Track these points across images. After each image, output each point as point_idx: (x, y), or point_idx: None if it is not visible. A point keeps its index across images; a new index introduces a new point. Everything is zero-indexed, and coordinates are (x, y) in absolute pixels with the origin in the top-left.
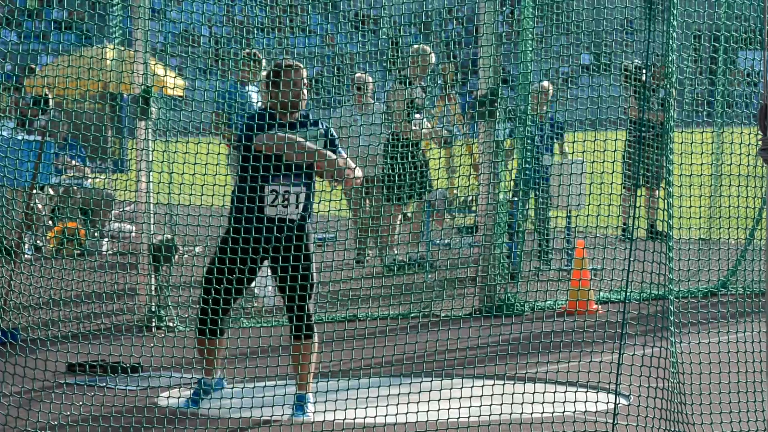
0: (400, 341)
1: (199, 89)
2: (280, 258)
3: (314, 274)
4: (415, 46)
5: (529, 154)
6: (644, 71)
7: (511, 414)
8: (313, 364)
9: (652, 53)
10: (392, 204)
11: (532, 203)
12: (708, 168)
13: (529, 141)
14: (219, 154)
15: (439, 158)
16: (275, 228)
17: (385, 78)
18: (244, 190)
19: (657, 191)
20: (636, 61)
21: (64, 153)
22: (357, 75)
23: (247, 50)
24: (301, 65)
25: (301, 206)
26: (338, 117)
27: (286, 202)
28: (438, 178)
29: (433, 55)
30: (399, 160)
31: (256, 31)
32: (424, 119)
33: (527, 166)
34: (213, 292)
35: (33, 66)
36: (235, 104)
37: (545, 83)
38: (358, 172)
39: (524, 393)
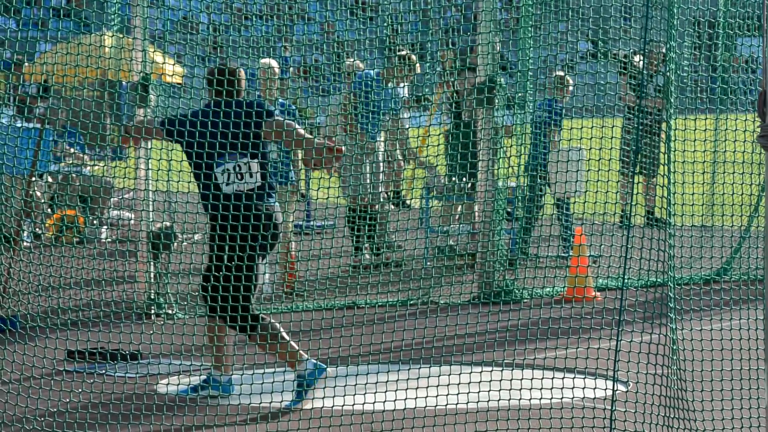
0: (399, 328)
1: (197, 77)
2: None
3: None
4: (403, 53)
5: (531, 140)
6: (641, 58)
7: (509, 400)
8: (225, 347)
9: (650, 40)
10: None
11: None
12: (707, 155)
13: (531, 127)
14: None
15: (438, 146)
16: (242, 206)
17: (384, 64)
18: (201, 177)
19: (655, 178)
20: (631, 49)
21: (62, 140)
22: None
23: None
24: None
25: (256, 175)
26: (337, 104)
27: (240, 176)
28: (437, 165)
29: (417, 64)
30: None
31: (254, 19)
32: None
33: (528, 152)
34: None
35: (21, 57)
36: (373, 99)
37: (560, 72)
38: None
39: (522, 379)
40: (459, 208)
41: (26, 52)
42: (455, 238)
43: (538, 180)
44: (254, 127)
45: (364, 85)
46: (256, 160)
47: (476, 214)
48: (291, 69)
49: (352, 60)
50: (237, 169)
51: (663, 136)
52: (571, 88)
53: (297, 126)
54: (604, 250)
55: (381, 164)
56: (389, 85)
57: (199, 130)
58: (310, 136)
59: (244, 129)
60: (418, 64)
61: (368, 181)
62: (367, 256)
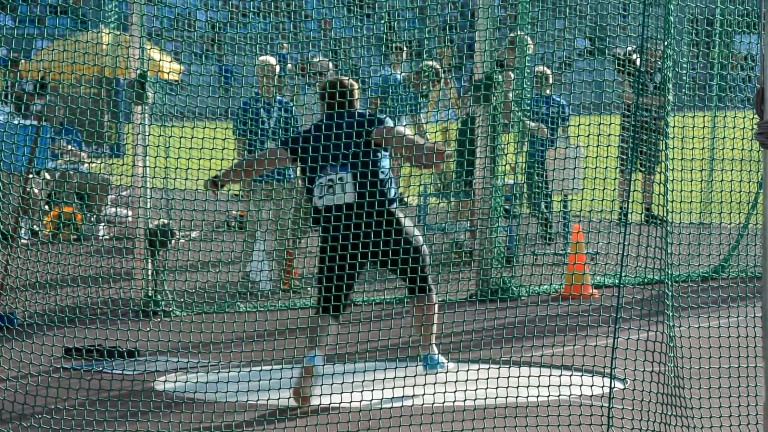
0: (396, 325)
1: (195, 74)
2: (379, 244)
3: (412, 238)
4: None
5: (527, 138)
6: (639, 55)
7: (506, 398)
8: (435, 325)
9: (648, 37)
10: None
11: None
12: (705, 152)
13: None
14: (215, 138)
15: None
16: (332, 217)
17: (381, 62)
18: (308, 192)
19: (652, 176)
20: (628, 46)
21: (60, 138)
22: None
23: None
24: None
25: (349, 194)
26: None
27: (331, 190)
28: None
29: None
30: None
31: (251, 16)
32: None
33: (527, 150)
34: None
35: (16, 55)
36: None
37: (540, 68)
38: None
39: (520, 377)
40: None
41: (23, 49)
42: (457, 235)
43: (536, 177)
44: (364, 136)
45: (386, 86)
46: (350, 174)
47: (472, 211)
48: (288, 66)
49: (318, 59)
50: (330, 182)
51: (661, 133)
52: (550, 81)
53: (406, 131)
54: (602, 248)
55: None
56: (412, 90)
57: (312, 144)
58: (420, 140)
59: (352, 140)
60: (444, 78)
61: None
62: None
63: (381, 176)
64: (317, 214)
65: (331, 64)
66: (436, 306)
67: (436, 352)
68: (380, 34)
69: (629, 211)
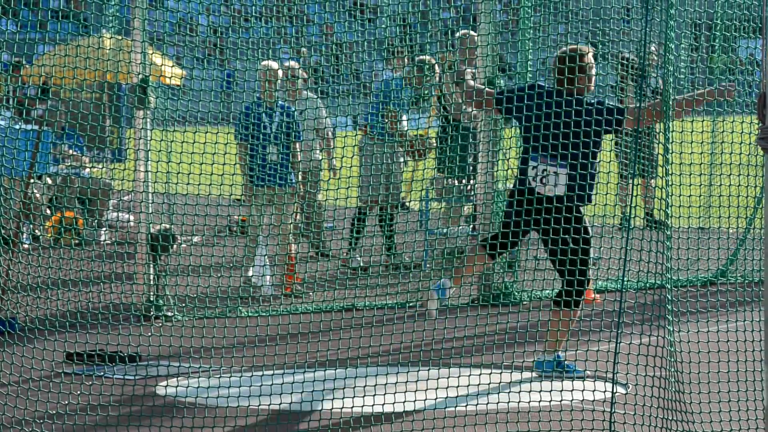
0: (397, 330)
1: (197, 78)
2: (550, 231)
3: (588, 250)
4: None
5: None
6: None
7: (509, 403)
8: (566, 332)
9: (650, 42)
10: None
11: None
12: (706, 157)
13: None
14: (216, 143)
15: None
16: (535, 200)
17: (383, 67)
18: (524, 162)
19: (653, 180)
20: (630, 51)
21: (61, 142)
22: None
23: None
24: (586, 49)
25: (560, 187)
26: (335, 106)
27: (545, 179)
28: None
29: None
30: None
31: (253, 20)
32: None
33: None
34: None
35: (20, 60)
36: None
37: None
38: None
39: (522, 382)
40: (466, 210)
41: (25, 54)
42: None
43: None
44: (613, 125)
45: (388, 89)
46: (565, 170)
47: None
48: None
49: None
50: (544, 172)
51: (661, 138)
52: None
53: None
54: (603, 253)
55: (402, 164)
56: (411, 89)
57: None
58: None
59: (581, 129)
60: (438, 71)
61: (389, 181)
62: (358, 258)
63: (591, 175)
64: (521, 188)
65: (305, 73)
66: (575, 322)
67: (552, 358)
68: (381, 39)
69: (632, 216)
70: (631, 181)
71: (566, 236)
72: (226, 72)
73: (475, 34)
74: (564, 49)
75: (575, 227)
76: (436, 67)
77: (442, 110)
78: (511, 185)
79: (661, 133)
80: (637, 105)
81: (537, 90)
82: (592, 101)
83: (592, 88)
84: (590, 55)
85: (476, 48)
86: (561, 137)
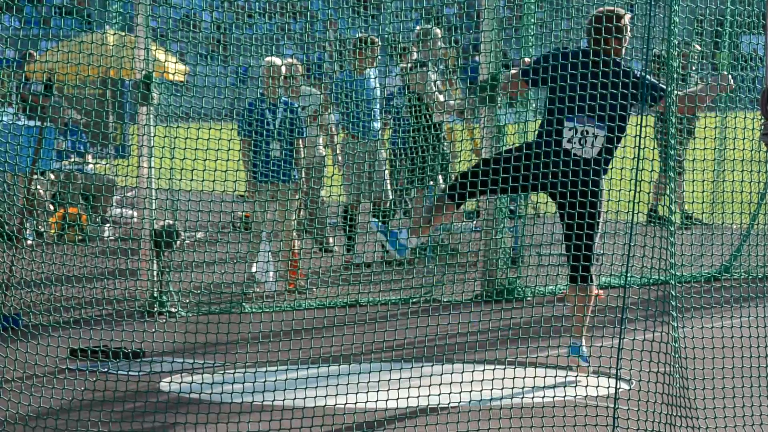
0: (401, 326)
1: (200, 74)
2: (568, 193)
3: (599, 223)
4: (419, 28)
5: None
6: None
7: (512, 399)
8: (587, 317)
9: (653, 37)
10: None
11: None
12: (711, 153)
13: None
14: (220, 139)
15: (461, 141)
16: (562, 162)
17: (387, 63)
18: (551, 123)
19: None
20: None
21: (64, 138)
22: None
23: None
24: (622, 11)
25: (596, 149)
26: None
27: (583, 141)
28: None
29: (439, 37)
30: (421, 142)
31: (257, 16)
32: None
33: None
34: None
35: (33, 52)
36: (352, 93)
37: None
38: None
39: (526, 377)
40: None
41: (28, 50)
42: (460, 236)
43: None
44: (648, 101)
45: (345, 87)
46: (603, 132)
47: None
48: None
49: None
50: (584, 132)
51: (666, 134)
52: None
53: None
54: (607, 248)
55: (384, 162)
56: (363, 73)
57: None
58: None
59: (618, 91)
60: (379, 46)
61: (385, 178)
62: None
63: (618, 139)
64: (566, 157)
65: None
66: (594, 297)
67: (583, 343)
68: (385, 35)
69: (636, 211)
70: (665, 176)
71: (584, 199)
72: (241, 68)
73: (439, 30)
74: (601, 9)
75: (593, 190)
76: (379, 44)
77: (416, 108)
78: (526, 145)
79: (672, 128)
80: (678, 92)
81: (572, 51)
82: (630, 68)
83: (623, 53)
84: (627, 17)
85: (438, 43)
86: (599, 98)
